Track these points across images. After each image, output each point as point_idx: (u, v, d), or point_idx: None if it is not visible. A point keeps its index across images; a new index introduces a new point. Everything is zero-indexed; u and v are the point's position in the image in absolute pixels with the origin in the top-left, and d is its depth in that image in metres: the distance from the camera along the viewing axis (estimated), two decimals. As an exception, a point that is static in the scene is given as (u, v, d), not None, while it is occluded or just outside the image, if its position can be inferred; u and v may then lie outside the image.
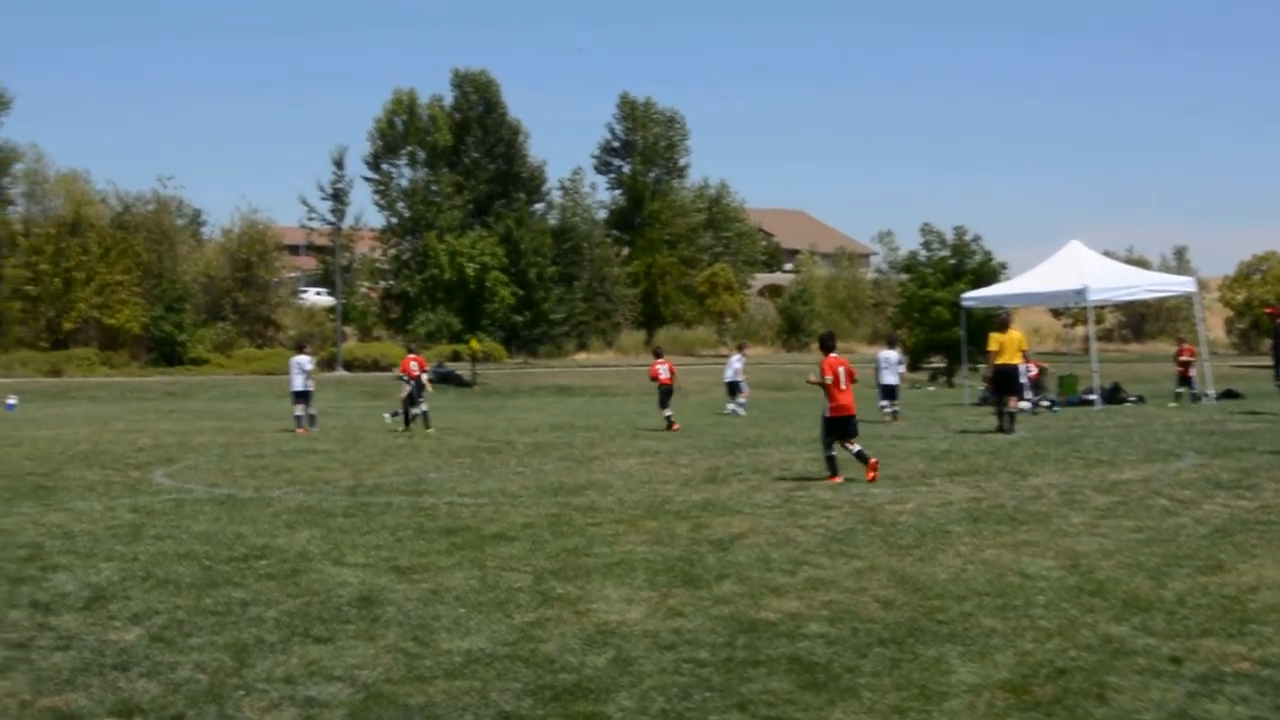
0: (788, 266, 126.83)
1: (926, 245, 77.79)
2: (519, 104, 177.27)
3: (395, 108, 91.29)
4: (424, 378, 32.00)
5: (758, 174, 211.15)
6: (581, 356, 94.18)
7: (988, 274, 67.23)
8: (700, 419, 34.45)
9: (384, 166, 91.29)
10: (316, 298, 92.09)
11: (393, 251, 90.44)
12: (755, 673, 7.70)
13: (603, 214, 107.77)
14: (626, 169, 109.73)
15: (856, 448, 17.87)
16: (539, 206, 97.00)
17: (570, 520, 14.25)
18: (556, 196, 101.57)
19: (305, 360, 32.65)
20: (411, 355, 31.98)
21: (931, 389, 59.90)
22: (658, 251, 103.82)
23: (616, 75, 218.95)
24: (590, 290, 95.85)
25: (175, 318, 74.34)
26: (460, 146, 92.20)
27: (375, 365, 76.16)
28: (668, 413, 31.16)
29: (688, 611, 9.42)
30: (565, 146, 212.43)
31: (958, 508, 14.61)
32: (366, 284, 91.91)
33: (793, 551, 11.85)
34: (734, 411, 37.24)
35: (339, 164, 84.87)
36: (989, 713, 6.92)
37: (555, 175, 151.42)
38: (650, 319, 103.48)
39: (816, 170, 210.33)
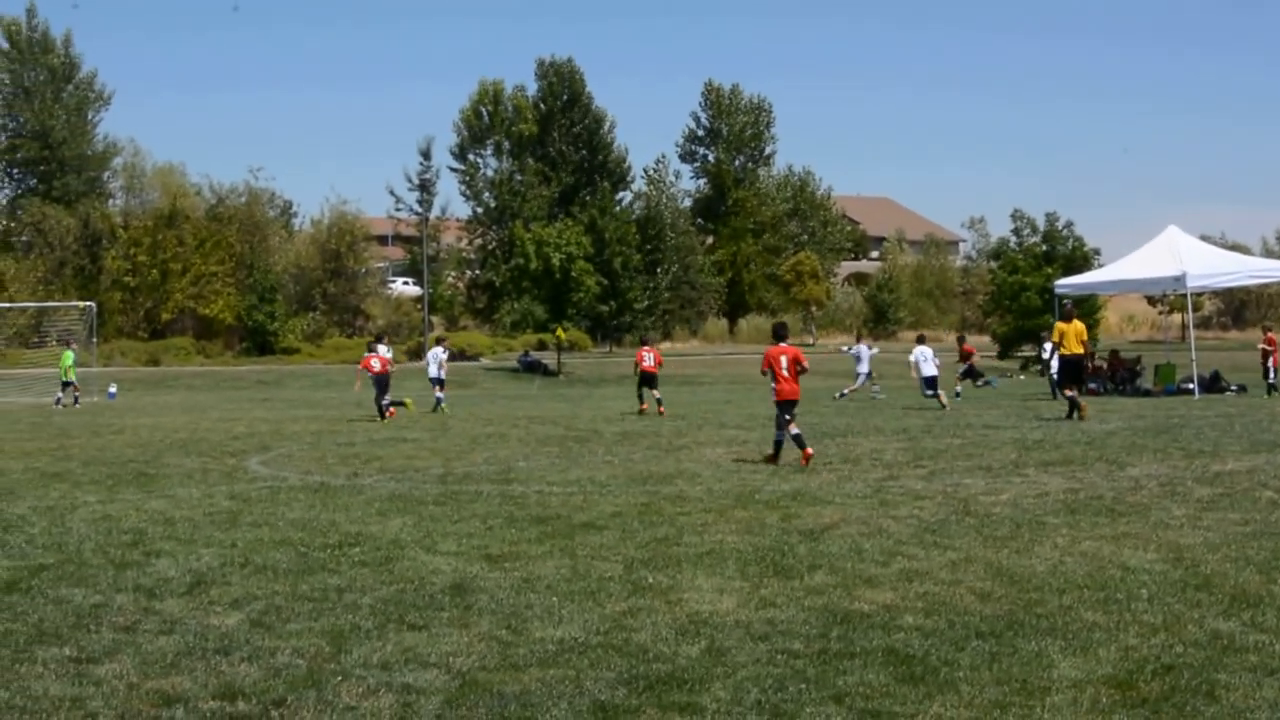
0: (874, 254, 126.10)
1: (1017, 232, 77.23)
2: (603, 93, 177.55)
3: (481, 98, 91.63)
4: (437, 370, 35.51)
5: (843, 162, 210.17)
6: (666, 345, 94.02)
7: (1079, 260, 66.62)
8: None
9: (470, 157, 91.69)
10: (404, 287, 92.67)
11: (479, 241, 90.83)
12: (850, 665, 7.66)
13: (687, 202, 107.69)
14: (711, 157, 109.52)
15: (795, 430, 19.20)
16: (624, 195, 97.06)
17: (659, 509, 14.26)
18: (641, 185, 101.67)
19: (441, 351, 36.09)
20: (371, 353, 32.67)
21: (1022, 377, 59.40)
22: (742, 240, 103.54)
23: (701, 62, 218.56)
24: (675, 279, 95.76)
25: (267, 308, 75.13)
26: (545, 136, 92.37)
27: (462, 354, 76.52)
28: (656, 394, 33.29)
29: (780, 602, 9.40)
30: (650, 135, 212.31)
31: (1053, 499, 14.46)
32: (453, 273, 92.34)
33: (885, 542, 11.78)
34: (876, 395, 39.67)
35: (426, 155, 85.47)
36: (1094, 709, 6.81)
37: (639, 164, 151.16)
38: (735, 308, 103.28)
39: (903, 157, 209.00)
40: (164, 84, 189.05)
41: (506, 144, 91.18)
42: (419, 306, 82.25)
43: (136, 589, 10.16)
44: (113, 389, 45.44)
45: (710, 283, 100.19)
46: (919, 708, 6.84)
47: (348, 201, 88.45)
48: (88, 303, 55.83)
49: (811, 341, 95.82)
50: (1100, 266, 57.47)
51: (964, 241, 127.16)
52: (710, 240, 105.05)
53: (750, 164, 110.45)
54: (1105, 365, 41.72)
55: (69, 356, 42.88)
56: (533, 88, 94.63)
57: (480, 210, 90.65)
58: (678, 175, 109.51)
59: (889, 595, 9.54)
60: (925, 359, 34.75)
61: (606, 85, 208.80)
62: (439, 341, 38.07)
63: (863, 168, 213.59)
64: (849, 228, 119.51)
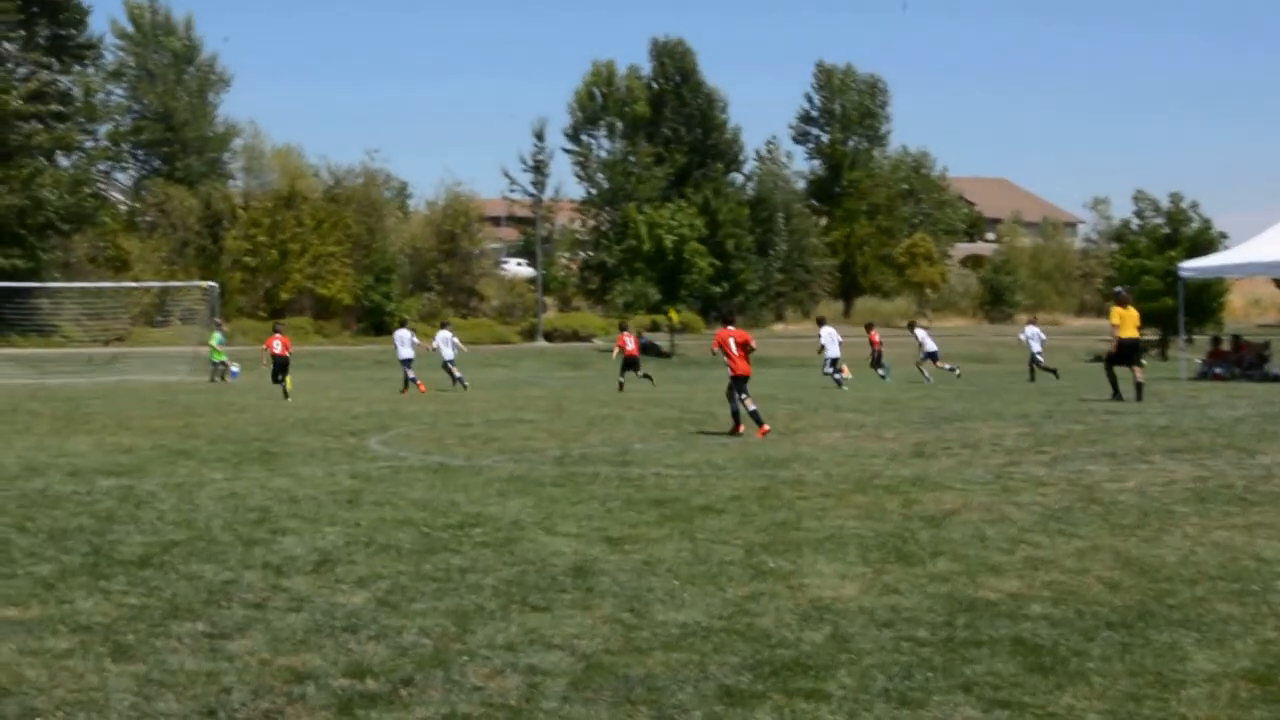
0: (990, 236, 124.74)
1: (1139, 213, 76.04)
2: (715, 73, 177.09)
3: (594, 79, 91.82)
4: (452, 352, 38.72)
5: (959, 143, 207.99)
6: (779, 327, 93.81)
7: (1204, 242, 65.43)
8: (904, 392, 34.14)
9: (583, 138, 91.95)
10: (517, 268, 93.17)
11: (592, 222, 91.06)
12: (978, 653, 7.58)
13: (800, 184, 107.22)
14: (824, 138, 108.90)
15: (752, 407, 21.46)
16: (736, 176, 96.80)
17: (778, 493, 14.22)
18: (753, 166, 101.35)
19: (409, 334, 38.48)
20: (276, 334, 35.99)
21: (1143, 362, 58.54)
22: (856, 221, 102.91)
23: (813, 42, 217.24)
24: (788, 260, 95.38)
25: (383, 288, 75.86)
26: (658, 117, 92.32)
27: (575, 335, 76.95)
28: (643, 373, 36.83)
29: (903, 589, 9.33)
30: (763, 115, 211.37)
31: (1182, 486, 14.23)
32: (566, 255, 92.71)
33: (1009, 529, 11.66)
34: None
35: (539, 136, 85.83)
36: (1232, 703, 6.68)
37: (752, 144, 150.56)
38: (848, 289, 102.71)
39: (1021, 138, 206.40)
40: (282, 67, 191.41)
41: (619, 125, 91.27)
42: (532, 288, 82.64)
43: (265, 566, 10.33)
44: (235, 368, 46.17)
45: (823, 264, 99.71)
46: (1050, 699, 6.76)
47: (462, 183, 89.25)
48: (211, 282, 56.72)
49: (926, 324, 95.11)
50: (1227, 249, 56.43)
51: (1083, 223, 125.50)
52: (824, 221, 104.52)
53: (865, 144, 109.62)
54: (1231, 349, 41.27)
55: (216, 337, 45.16)
56: (646, 68, 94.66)
57: (593, 191, 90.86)
58: (790, 156, 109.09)
59: (1015, 583, 9.44)
60: (1033, 338, 39.82)
61: (719, 65, 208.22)
62: (444, 325, 41.42)
63: (979, 149, 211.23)
64: (964, 209, 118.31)
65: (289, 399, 33.06)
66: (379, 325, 75.35)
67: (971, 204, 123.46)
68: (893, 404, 28.96)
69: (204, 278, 63.66)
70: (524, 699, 6.86)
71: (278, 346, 35.16)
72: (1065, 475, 15.38)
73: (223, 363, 45.16)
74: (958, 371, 42.49)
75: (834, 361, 37.57)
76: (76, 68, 71.59)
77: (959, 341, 69.38)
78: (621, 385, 36.79)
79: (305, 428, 23.79)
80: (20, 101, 64.34)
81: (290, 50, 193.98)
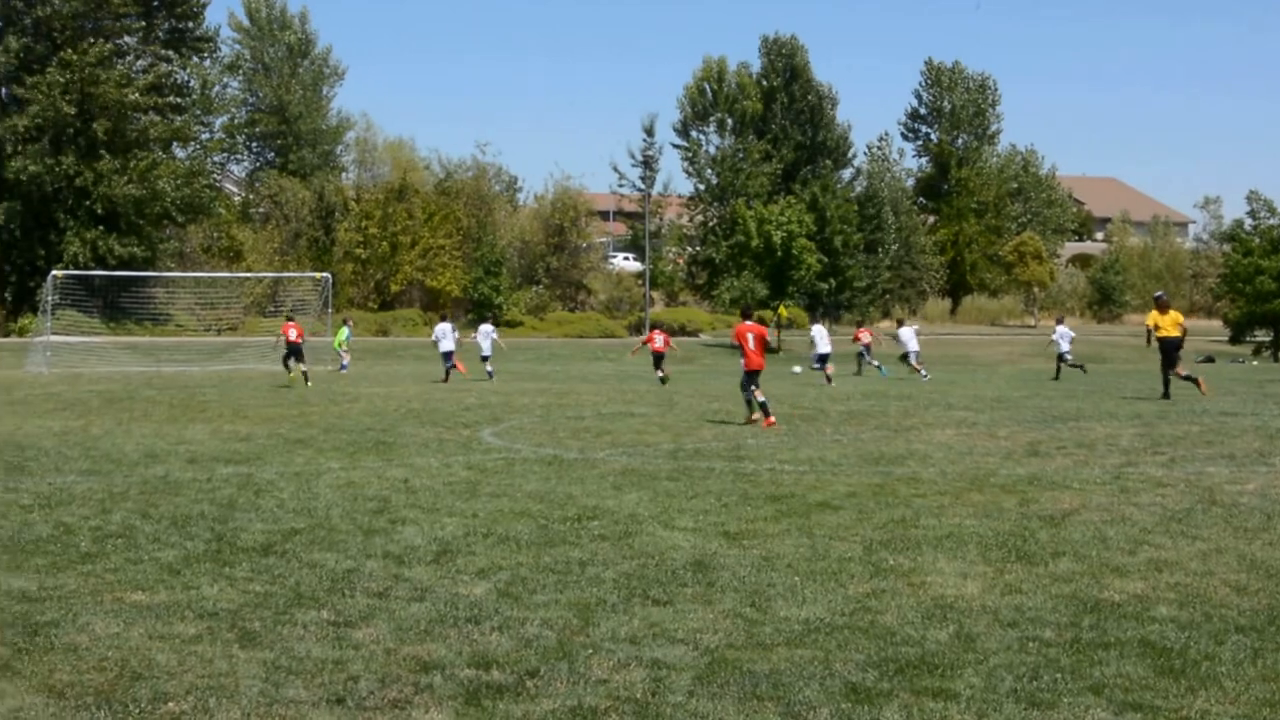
0: (1099, 235, 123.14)
1: (1252, 213, 74.76)
2: (825, 70, 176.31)
3: (705, 75, 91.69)
4: (489, 347, 40.23)
5: (1069, 142, 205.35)
6: (886, 325, 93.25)
7: (1321, 244, 64.17)
8: (1015, 390, 33.79)
9: (693, 134, 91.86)
10: (625, 263, 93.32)
11: (700, 218, 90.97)
12: (1106, 655, 7.49)
13: (909, 181, 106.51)
14: (933, 136, 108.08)
15: (762, 398, 22.57)
16: (845, 173, 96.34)
17: (894, 490, 14.13)
18: (862, 162, 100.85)
19: (450, 327, 40.01)
20: (290, 322, 38.17)
21: (1255, 363, 57.51)
22: (964, 219, 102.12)
23: (923, 39, 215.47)
24: (895, 258, 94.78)
25: (493, 281, 76.26)
26: (768, 113, 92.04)
27: (682, 330, 76.91)
28: (660, 373, 38.41)
29: (1026, 589, 9.24)
30: (872, 112, 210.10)
31: (1304, 489, 13.95)
32: (674, 249, 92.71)
33: (1130, 530, 11.50)
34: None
35: (649, 131, 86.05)
36: (1368, 709, 6.55)
37: (861, 141, 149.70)
38: (956, 287, 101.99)
39: (1130, 137, 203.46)
40: (395, 61, 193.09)
41: (729, 121, 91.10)
42: (640, 282, 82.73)
43: (385, 556, 10.42)
44: (346, 359, 46.66)
45: (931, 262, 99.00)
46: (1182, 702, 6.66)
47: (571, 177, 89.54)
48: (324, 274, 57.33)
49: (1033, 324, 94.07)
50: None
51: (1193, 223, 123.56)
52: (932, 219, 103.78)
53: (974, 142, 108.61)
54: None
55: (345, 332, 46.99)
56: (756, 65, 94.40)
57: (702, 187, 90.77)
58: (901, 153, 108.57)
59: (1139, 585, 9.30)
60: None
61: (829, 62, 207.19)
62: (483, 319, 44.23)
63: (1088, 148, 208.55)
64: (1073, 208, 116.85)
65: (309, 385, 35.02)
66: (488, 318, 75.78)
67: (1080, 203, 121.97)
68: (1004, 402, 28.65)
69: (316, 269, 64.37)
70: (650, 693, 6.87)
71: (292, 334, 37.32)
72: (1184, 476, 15.13)
73: (339, 353, 45.99)
74: (927, 376, 41.91)
75: (823, 358, 39.50)
76: (194, 60, 72.61)
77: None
78: (664, 379, 38.03)
79: (418, 418, 23.96)
80: (139, 94, 65.35)
81: (402, 44, 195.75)
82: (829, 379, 37.88)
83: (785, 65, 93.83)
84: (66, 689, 6.89)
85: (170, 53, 70.18)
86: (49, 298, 47.55)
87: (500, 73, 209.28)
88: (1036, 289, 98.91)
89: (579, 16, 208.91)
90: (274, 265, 71.19)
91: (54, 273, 49.57)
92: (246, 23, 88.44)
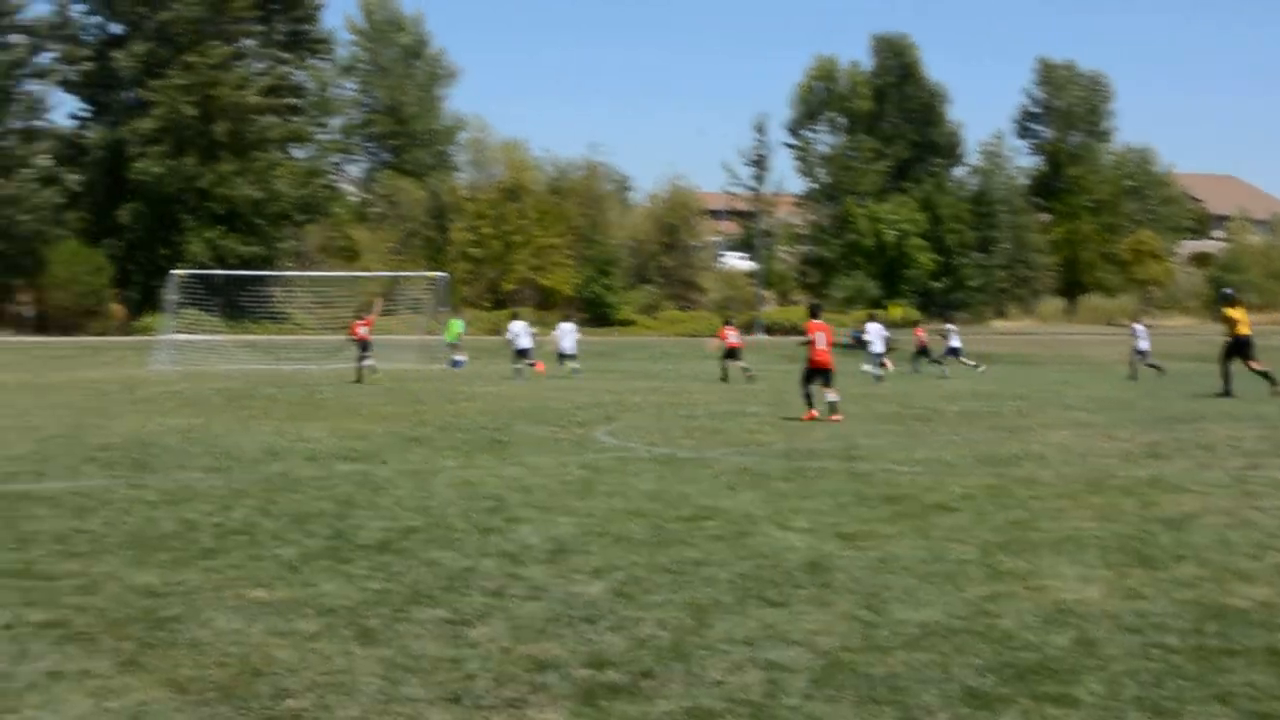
0: (1216, 233, 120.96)
1: (1380, 211, 73.21)
2: (937, 68, 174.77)
3: (816, 74, 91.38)
4: (528, 341, 40.62)
5: (1185, 139, 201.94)
6: (1000, 324, 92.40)
7: None
8: (1132, 391, 33.30)
9: (804, 133, 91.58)
10: (737, 262, 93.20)
11: (812, 217, 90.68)
12: (1233, 663, 7.33)
13: (1023, 180, 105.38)
14: (1046, 134, 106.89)
15: (830, 398, 23.36)
16: (958, 172, 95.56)
17: (1010, 492, 13.96)
18: (976, 161, 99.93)
19: (525, 325, 41.48)
20: (359, 320, 39.24)
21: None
22: (1079, 218, 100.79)
23: (1036, 37, 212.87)
24: (1009, 256, 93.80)
25: (605, 280, 76.53)
26: (879, 112, 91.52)
27: (794, 329, 76.57)
28: (741, 364, 39.07)
29: (1148, 593, 9.07)
30: (983, 111, 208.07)
31: None
32: (785, 249, 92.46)
33: (1254, 535, 11.26)
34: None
35: (761, 131, 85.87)
36: None
37: (974, 139, 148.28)
38: (1071, 286, 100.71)
39: (1249, 133, 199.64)
40: (507, 63, 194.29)
41: (841, 120, 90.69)
42: (751, 281, 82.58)
43: (501, 554, 10.46)
44: (460, 357, 47.02)
45: (1045, 261, 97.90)
46: (1312, 713, 6.52)
47: (683, 177, 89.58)
48: (439, 273, 57.80)
49: (1151, 323, 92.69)
50: None
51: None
52: (1046, 218, 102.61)
53: (1088, 140, 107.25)
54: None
55: (459, 325, 48.17)
56: (868, 63, 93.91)
57: (814, 185, 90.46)
58: (1016, 151, 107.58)
59: (1266, 591, 9.10)
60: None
61: (941, 60, 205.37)
62: (514, 317, 44.35)
63: (1205, 145, 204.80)
64: (1190, 206, 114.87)
65: (365, 382, 36.42)
66: (600, 317, 76.05)
67: (1198, 200, 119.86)
68: (1122, 403, 28.25)
69: (430, 268, 64.89)
70: (766, 695, 6.83)
71: (363, 331, 38.44)
72: (1311, 480, 14.81)
73: (453, 346, 46.48)
74: (880, 376, 40.95)
75: (878, 356, 40.06)
76: (311, 62, 73.55)
77: (1183, 341, 67.26)
78: (743, 374, 38.63)
79: (532, 417, 24.07)
80: (258, 96, 66.33)
81: (515, 46, 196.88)
82: (878, 378, 38.42)
83: (897, 63, 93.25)
84: (189, 684, 6.99)
85: (288, 55, 71.15)
86: (171, 297, 48.36)
87: (613, 74, 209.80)
88: (1153, 288, 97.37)
89: (690, 17, 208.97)
90: (389, 264, 71.85)
91: (175, 272, 50.41)
92: (363, 24, 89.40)
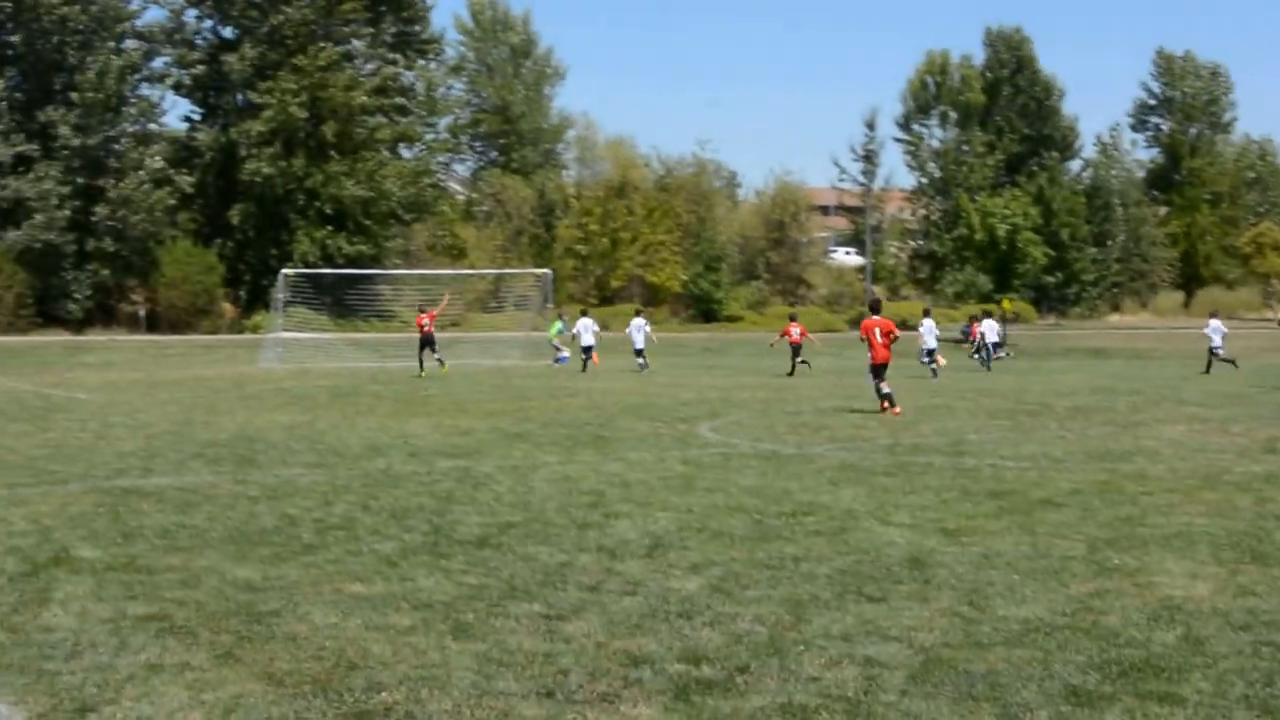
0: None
1: None
2: (1051, 60, 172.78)
3: (927, 68, 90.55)
4: (591, 338, 42.41)
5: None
6: (1115, 318, 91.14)
7: None
8: (1250, 385, 32.63)
9: (915, 127, 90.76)
10: (846, 257, 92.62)
11: (922, 211, 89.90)
12: (1347, 662, 7.12)
13: (1139, 173, 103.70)
14: (1164, 126, 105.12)
15: (886, 389, 23.52)
16: (1072, 165, 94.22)
17: (1120, 487, 13.71)
18: (1091, 154, 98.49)
19: (592, 322, 43.43)
20: (423, 314, 39.61)
21: None
22: (1197, 210, 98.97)
23: (1153, 27, 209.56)
24: (1125, 250, 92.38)
25: (712, 276, 76.35)
26: (992, 105, 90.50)
27: (903, 325, 75.86)
28: (801, 359, 39.52)
29: (1260, 591, 8.86)
30: (1099, 103, 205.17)
31: None
32: (895, 244, 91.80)
33: (1374, 532, 10.97)
34: None
35: (870, 126, 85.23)
36: None
37: (1088, 133, 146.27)
38: (1189, 280, 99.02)
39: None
40: (614, 61, 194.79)
41: (952, 114, 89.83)
42: (861, 276, 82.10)
43: (599, 549, 10.42)
44: (565, 354, 47.12)
45: (1162, 255, 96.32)
46: None
47: (791, 172, 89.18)
48: (545, 270, 57.98)
49: (1274, 317, 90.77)
50: None
51: None
52: (1163, 211, 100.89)
53: (1207, 132, 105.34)
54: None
55: (557, 326, 47.77)
56: (979, 56, 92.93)
57: (924, 180, 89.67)
58: (1134, 144, 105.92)
59: (1384, 591, 8.84)
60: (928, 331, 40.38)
61: (1055, 53, 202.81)
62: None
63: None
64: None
65: (444, 369, 38.09)
66: (707, 313, 75.89)
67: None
68: (1239, 398, 27.69)
69: (536, 265, 65.12)
70: (862, 691, 6.73)
71: (426, 322, 38.96)
72: None
73: (555, 346, 46.69)
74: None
75: (930, 352, 39.78)
76: (419, 63, 74.08)
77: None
78: (792, 371, 38.97)
79: (636, 413, 24.03)
80: (367, 97, 66.93)
81: (622, 44, 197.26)
82: (935, 373, 37.95)
83: (1010, 56, 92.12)
84: (285, 677, 7.02)
85: (396, 56, 71.71)
86: (280, 296, 48.91)
87: (720, 70, 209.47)
88: (1275, 280, 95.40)
89: (798, 12, 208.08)
90: (496, 262, 72.22)
91: (284, 271, 50.96)
92: (471, 24, 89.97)
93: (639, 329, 42.76)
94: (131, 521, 11.83)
